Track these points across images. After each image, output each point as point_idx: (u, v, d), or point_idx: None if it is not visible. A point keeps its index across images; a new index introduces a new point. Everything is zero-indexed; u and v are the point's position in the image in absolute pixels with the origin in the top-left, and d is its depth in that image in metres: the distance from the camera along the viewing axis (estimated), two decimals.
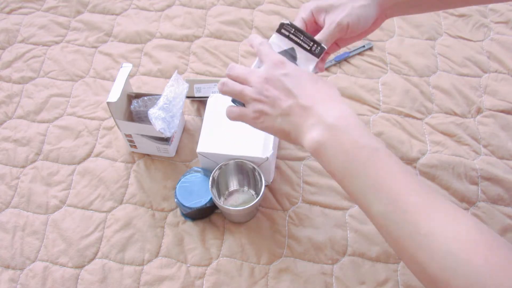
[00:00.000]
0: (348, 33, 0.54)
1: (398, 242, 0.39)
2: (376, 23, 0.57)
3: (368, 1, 0.54)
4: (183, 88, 0.68)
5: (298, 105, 0.46)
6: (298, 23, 0.56)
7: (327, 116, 0.44)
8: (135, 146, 0.72)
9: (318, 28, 0.56)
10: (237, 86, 0.51)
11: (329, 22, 0.54)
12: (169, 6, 0.93)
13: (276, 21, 0.89)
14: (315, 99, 0.46)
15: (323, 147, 0.44)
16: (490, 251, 0.35)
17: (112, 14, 0.92)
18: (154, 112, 0.64)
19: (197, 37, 0.88)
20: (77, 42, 0.88)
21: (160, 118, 0.63)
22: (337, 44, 0.59)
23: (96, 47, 0.88)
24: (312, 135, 0.45)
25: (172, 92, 0.66)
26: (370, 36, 0.86)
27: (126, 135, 0.70)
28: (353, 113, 0.45)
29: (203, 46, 0.86)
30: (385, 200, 0.40)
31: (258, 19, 0.90)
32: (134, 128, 0.68)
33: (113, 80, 0.83)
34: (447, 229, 0.37)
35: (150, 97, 0.71)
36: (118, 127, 0.69)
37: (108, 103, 0.64)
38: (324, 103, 0.46)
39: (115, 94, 0.65)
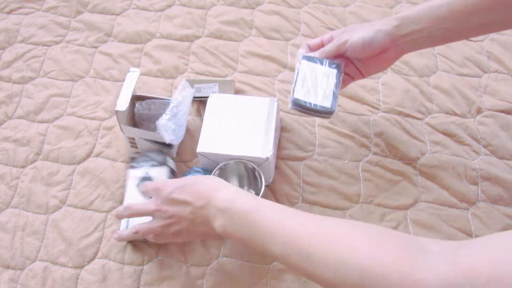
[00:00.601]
0: (349, 51, 0.62)
1: (303, 270, 0.45)
2: (388, 54, 0.62)
3: (378, 28, 0.60)
4: (190, 96, 0.68)
5: (196, 207, 0.53)
6: (316, 41, 0.66)
7: (219, 204, 0.52)
8: (136, 147, 0.72)
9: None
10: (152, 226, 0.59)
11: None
12: (169, 6, 0.93)
13: (276, 21, 0.89)
14: (206, 195, 0.53)
15: (226, 229, 0.51)
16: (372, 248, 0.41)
17: (112, 14, 0.92)
18: (164, 124, 0.63)
19: (197, 37, 0.88)
20: (77, 42, 0.88)
21: (170, 129, 0.64)
22: (361, 74, 0.66)
23: (96, 47, 0.88)
24: (216, 224, 0.52)
25: (180, 101, 0.66)
26: None
27: (129, 138, 0.70)
28: (235, 189, 0.53)
29: (203, 46, 0.86)
30: (280, 244, 0.46)
31: (258, 19, 0.90)
32: (139, 133, 0.68)
33: (113, 80, 0.83)
34: (335, 252, 0.42)
35: (154, 100, 0.70)
36: (122, 131, 0.69)
37: (116, 111, 0.63)
38: (213, 193, 0.53)
39: (123, 102, 0.63)
